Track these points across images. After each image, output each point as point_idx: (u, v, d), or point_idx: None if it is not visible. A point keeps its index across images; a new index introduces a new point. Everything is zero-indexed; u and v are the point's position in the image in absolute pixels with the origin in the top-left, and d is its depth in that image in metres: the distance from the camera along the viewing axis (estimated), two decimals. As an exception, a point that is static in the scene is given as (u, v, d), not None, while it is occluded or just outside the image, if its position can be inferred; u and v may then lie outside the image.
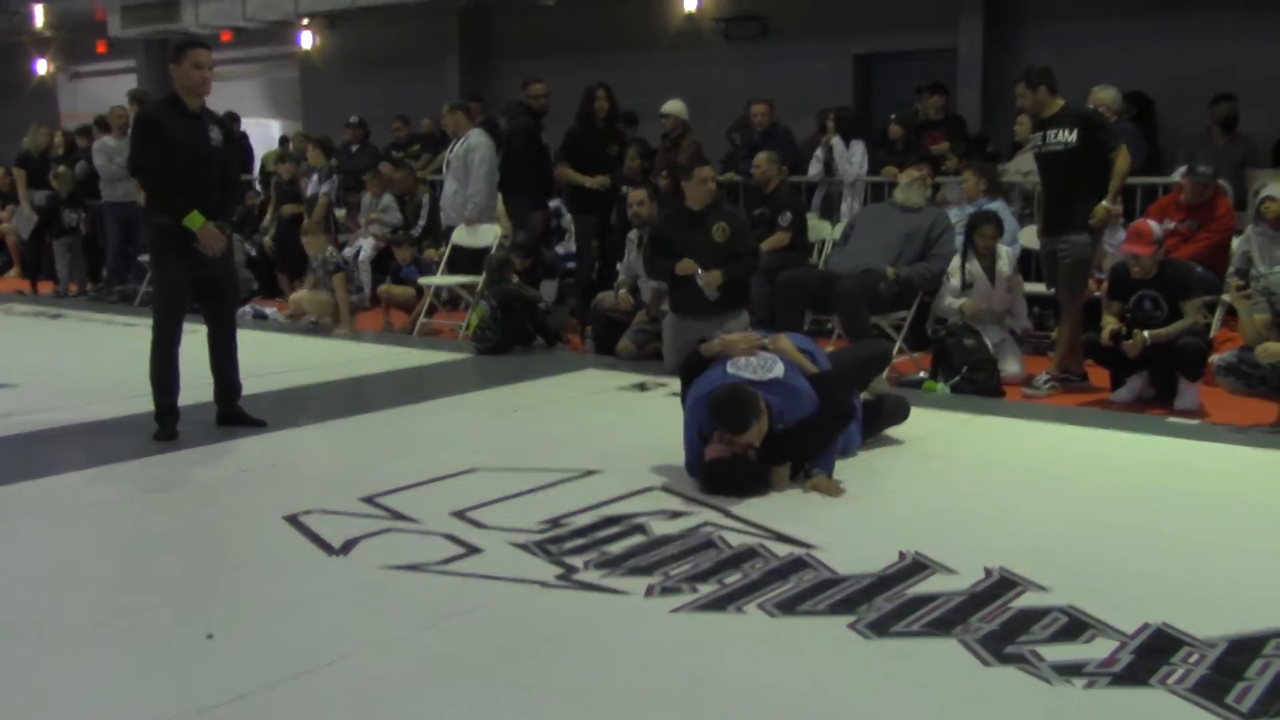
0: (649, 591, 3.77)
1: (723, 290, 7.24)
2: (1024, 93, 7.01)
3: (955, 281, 7.31)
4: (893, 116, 10.33)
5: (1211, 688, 3.07)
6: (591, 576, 3.91)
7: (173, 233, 5.76)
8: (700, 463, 4.87)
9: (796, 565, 3.99)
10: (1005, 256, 7.39)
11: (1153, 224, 6.59)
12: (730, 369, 4.94)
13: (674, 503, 4.71)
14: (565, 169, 9.25)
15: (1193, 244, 7.57)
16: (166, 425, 5.89)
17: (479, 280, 9.17)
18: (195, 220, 5.71)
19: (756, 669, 3.24)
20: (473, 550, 4.16)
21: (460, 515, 4.55)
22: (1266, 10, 10.13)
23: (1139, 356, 6.36)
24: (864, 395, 5.69)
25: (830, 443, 4.98)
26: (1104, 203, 6.77)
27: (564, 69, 14.22)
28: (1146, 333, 6.32)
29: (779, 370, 4.92)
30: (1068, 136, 6.81)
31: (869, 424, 5.51)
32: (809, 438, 4.92)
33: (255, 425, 6.09)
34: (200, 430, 5.98)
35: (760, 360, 4.97)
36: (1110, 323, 6.49)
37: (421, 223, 11.12)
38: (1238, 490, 5.00)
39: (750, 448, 4.78)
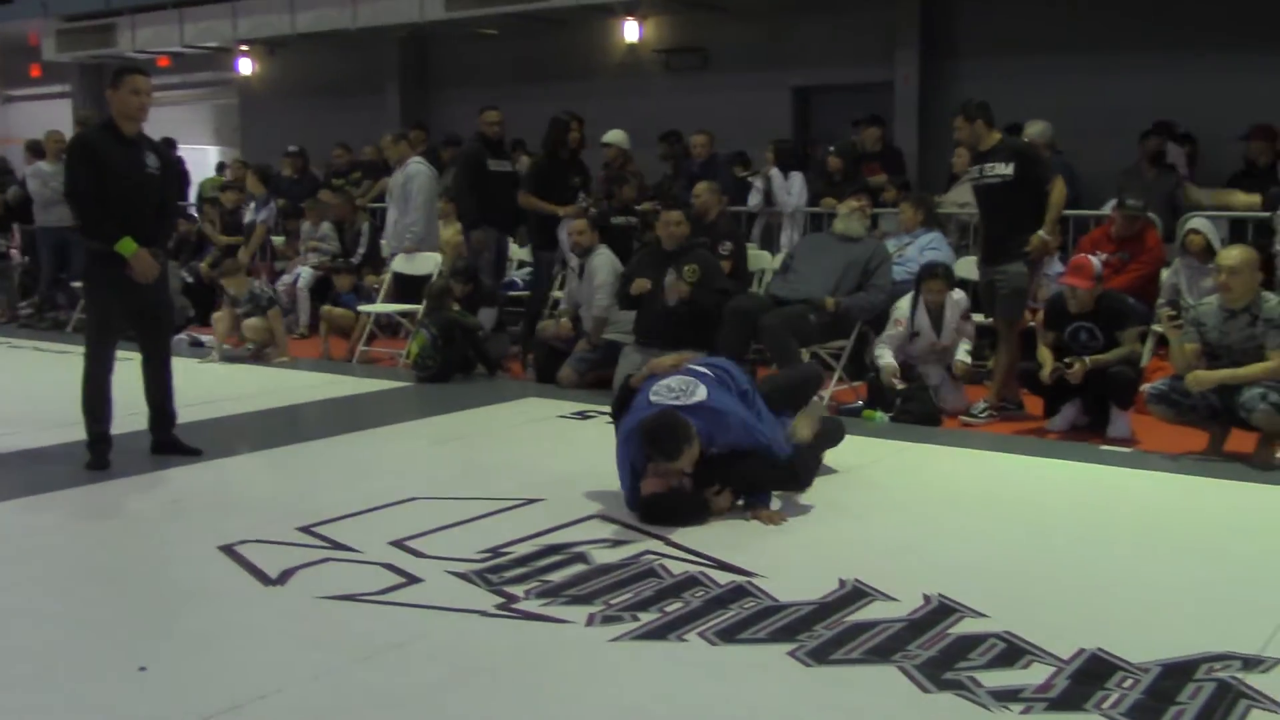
0: (590, 620, 3.75)
1: (687, 319, 7.39)
2: (962, 125, 7.13)
3: (900, 329, 7.25)
4: (830, 149, 10.46)
5: (1145, 712, 3.11)
6: (532, 606, 3.89)
7: (106, 259, 5.67)
8: (638, 497, 4.87)
9: (737, 593, 4.00)
10: (953, 305, 7.24)
11: (1093, 259, 6.70)
12: (653, 397, 4.92)
13: (615, 531, 4.70)
14: (532, 198, 9.05)
15: (1124, 275, 7.71)
16: (99, 454, 5.79)
17: (419, 308, 9.13)
18: (128, 247, 5.63)
19: (697, 697, 3.24)
20: (412, 580, 4.12)
21: (399, 544, 4.50)
22: (1194, 47, 10.40)
23: (1073, 385, 6.45)
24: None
25: (770, 488, 5.01)
26: (1040, 233, 6.89)
27: (506, 98, 14.21)
28: (1088, 359, 6.41)
29: (702, 393, 4.89)
30: (1004, 169, 6.93)
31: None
32: (752, 476, 4.94)
33: (190, 454, 6.00)
34: (133, 459, 5.88)
35: (682, 384, 4.95)
36: (1046, 356, 6.58)
37: (361, 250, 11.05)
38: (1169, 517, 5.09)
39: (683, 474, 4.79)
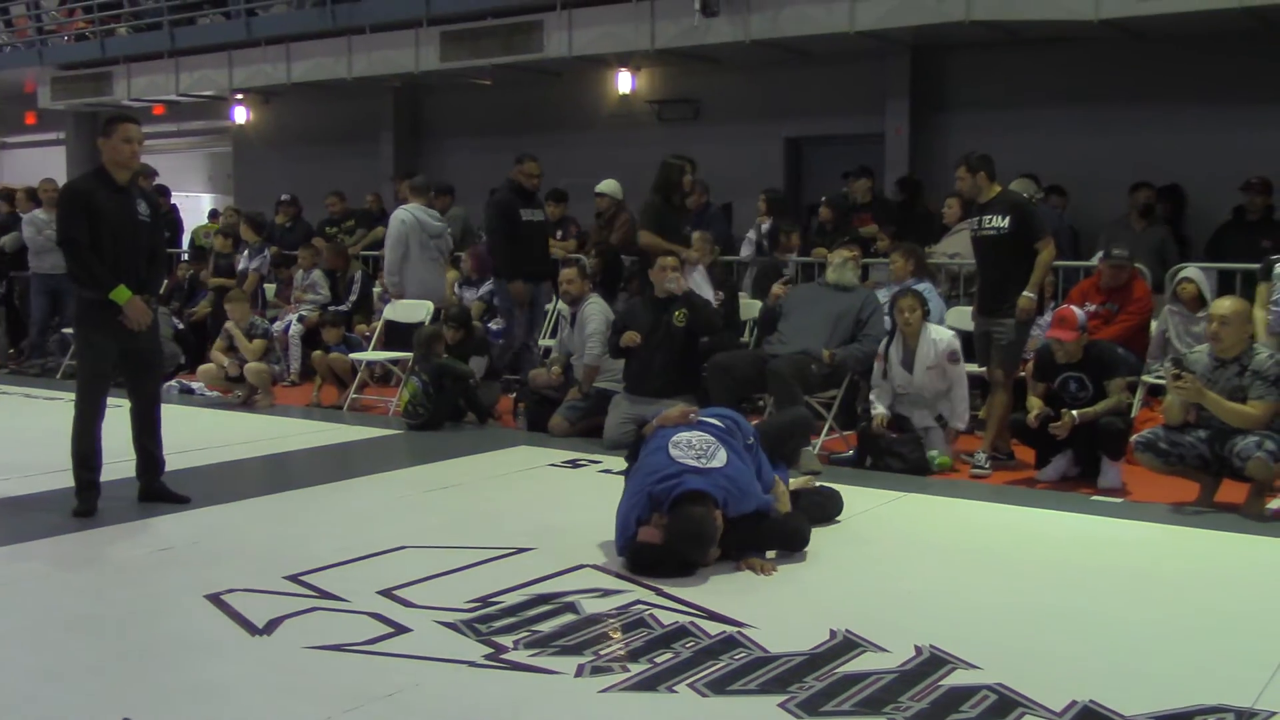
0: (579, 671, 3.72)
1: (674, 370, 7.51)
2: (964, 176, 7.21)
3: (880, 365, 7.23)
4: (823, 199, 10.52)
5: (1138, 765, 3.09)
6: (521, 656, 3.86)
7: (98, 306, 5.69)
8: (630, 543, 4.85)
9: (728, 644, 3.97)
10: (933, 342, 7.11)
11: (1076, 310, 6.75)
12: (673, 450, 4.88)
13: (605, 581, 4.67)
14: (656, 238, 8.33)
15: (1113, 326, 7.75)
16: (87, 500, 5.75)
17: (410, 355, 9.12)
18: (122, 294, 5.65)
19: (687, 750, 3.21)
20: (400, 630, 4.09)
21: (388, 594, 4.47)
22: (1182, 101, 10.51)
23: (1064, 435, 6.47)
24: (803, 480, 5.73)
25: (773, 548, 4.98)
26: (1026, 293, 6.93)
27: (498, 148, 14.33)
28: (1075, 412, 6.43)
29: (721, 458, 4.88)
30: (1000, 222, 7.01)
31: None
32: (755, 537, 4.92)
33: (178, 502, 5.97)
34: (121, 507, 5.84)
35: (704, 444, 4.92)
36: (1036, 405, 6.60)
37: (352, 298, 11.07)
38: (1161, 568, 5.07)
39: None
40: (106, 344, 5.78)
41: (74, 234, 5.67)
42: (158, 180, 13.20)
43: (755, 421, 6.07)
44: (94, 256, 5.66)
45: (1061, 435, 6.45)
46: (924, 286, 8.36)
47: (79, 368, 6.02)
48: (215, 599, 4.39)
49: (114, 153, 5.77)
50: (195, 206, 17.70)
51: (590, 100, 14.08)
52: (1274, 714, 3.40)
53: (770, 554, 4.94)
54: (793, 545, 5.05)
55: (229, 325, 9.70)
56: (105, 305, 5.67)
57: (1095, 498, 6.34)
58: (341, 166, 15.30)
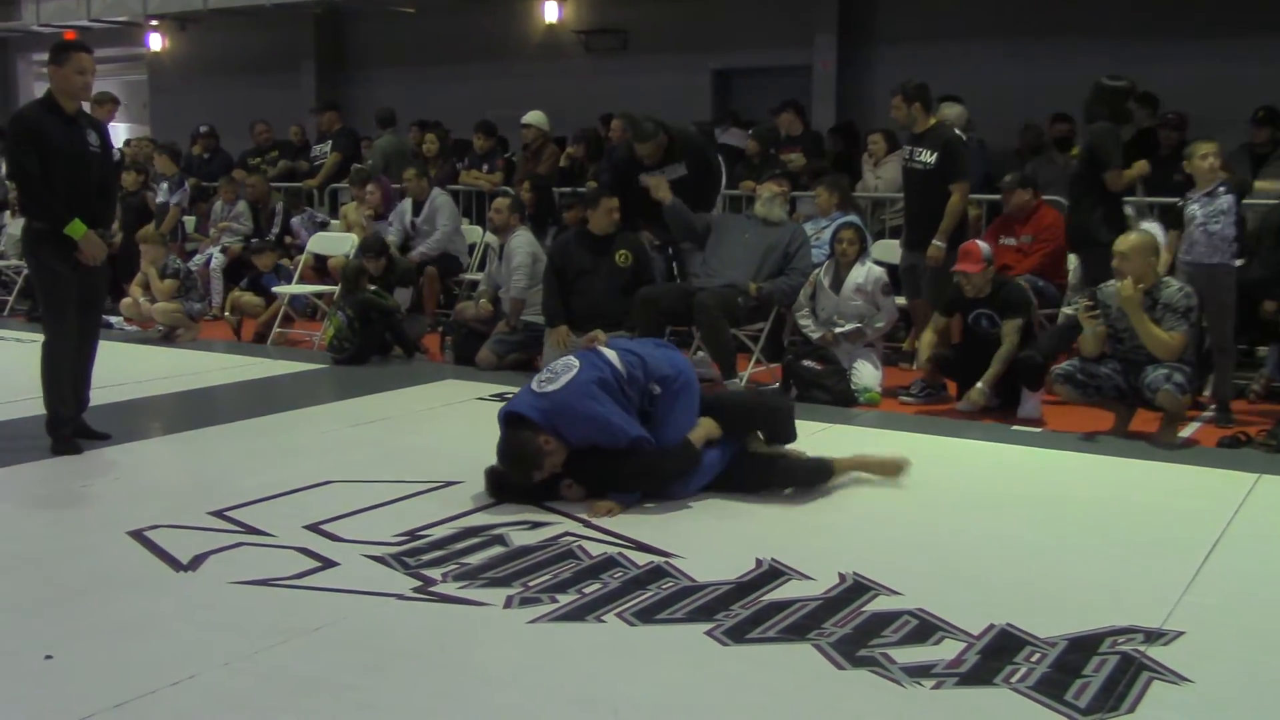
0: (508, 603, 3.75)
1: (613, 302, 7.42)
2: (899, 105, 7.24)
3: (810, 289, 7.41)
4: (749, 132, 10.51)
5: (1052, 685, 3.19)
6: (450, 589, 3.87)
7: (53, 240, 5.51)
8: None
9: (655, 574, 4.02)
10: (868, 269, 7.31)
11: (981, 244, 6.84)
12: (535, 380, 4.88)
13: (534, 513, 4.69)
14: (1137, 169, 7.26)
15: (1031, 258, 7.85)
16: (62, 437, 5.61)
17: (335, 289, 9.01)
18: (77, 229, 5.48)
19: (615, 678, 3.25)
20: (328, 564, 4.08)
21: (315, 528, 4.46)
22: (1110, 33, 10.61)
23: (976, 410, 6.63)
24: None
25: (625, 488, 4.80)
26: (935, 241, 6.98)
27: (423, 79, 14.14)
28: (980, 385, 6.57)
29: (562, 382, 4.71)
30: (928, 158, 7.04)
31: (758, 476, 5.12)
32: (604, 475, 4.78)
33: (98, 438, 5.85)
34: (38, 443, 5.72)
35: (559, 368, 4.82)
36: (927, 343, 6.72)
37: (275, 230, 10.87)
38: (1076, 495, 5.20)
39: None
40: (68, 274, 5.60)
41: (27, 165, 5.47)
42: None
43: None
44: (47, 190, 5.48)
45: (976, 408, 6.61)
46: (850, 219, 8.42)
47: (44, 301, 5.79)
48: (138, 535, 4.35)
49: (65, 82, 5.57)
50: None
51: (516, 30, 13.88)
52: (1181, 634, 3.53)
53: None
54: (637, 483, 4.81)
55: (145, 266, 9.47)
56: (60, 238, 5.49)
57: (1015, 428, 6.47)
58: (262, 97, 14.95)
